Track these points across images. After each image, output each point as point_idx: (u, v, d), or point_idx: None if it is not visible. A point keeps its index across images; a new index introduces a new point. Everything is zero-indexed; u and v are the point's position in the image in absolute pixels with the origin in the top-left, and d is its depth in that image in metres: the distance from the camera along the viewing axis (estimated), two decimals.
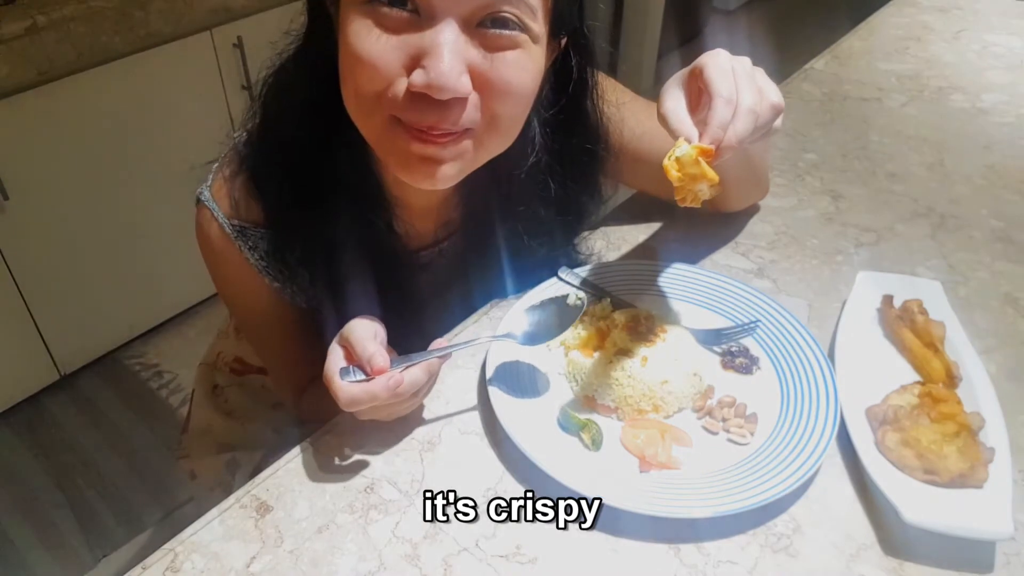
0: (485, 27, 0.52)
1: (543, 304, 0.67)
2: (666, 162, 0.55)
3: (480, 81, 0.53)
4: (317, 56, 0.60)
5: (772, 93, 0.57)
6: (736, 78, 0.55)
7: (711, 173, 0.55)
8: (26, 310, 1.70)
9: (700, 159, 0.54)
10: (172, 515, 1.62)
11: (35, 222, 1.63)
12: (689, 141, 0.55)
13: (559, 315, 0.65)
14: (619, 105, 0.75)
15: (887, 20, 1.42)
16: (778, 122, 0.59)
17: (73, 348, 1.85)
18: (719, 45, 0.60)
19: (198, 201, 0.70)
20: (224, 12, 1.74)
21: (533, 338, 0.65)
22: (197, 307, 2.06)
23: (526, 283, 0.76)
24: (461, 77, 0.51)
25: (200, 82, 1.77)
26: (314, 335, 0.77)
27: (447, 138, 0.54)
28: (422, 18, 0.51)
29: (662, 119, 0.57)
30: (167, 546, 0.56)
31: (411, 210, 0.71)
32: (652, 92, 0.82)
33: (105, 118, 1.65)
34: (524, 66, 0.55)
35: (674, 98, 0.58)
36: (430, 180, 0.57)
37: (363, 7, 0.52)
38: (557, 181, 0.69)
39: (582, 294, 0.65)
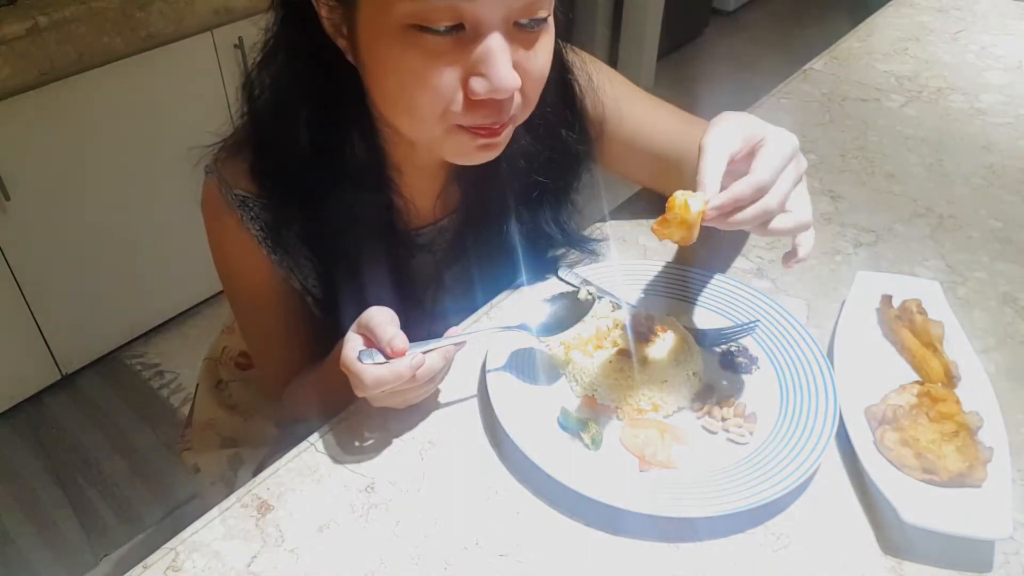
0: (522, 26, 0.55)
1: (555, 298, 0.68)
2: (679, 199, 0.55)
3: (522, 73, 0.57)
4: (305, 38, 0.60)
5: (803, 212, 0.58)
6: (782, 177, 0.56)
7: (695, 233, 0.55)
8: (27, 310, 1.70)
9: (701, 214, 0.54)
10: (173, 514, 1.62)
11: (36, 222, 1.63)
12: (706, 201, 0.55)
13: (572, 309, 0.67)
14: (616, 99, 0.77)
15: (886, 21, 1.42)
16: (803, 237, 0.59)
17: (74, 348, 1.86)
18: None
19: (206, 171, 0.71)
20: (225, 13, 1.74)
21: (547, 329, 0.66)
22: (198, 307, 2.07)
23: (526, 268, 0.77)
24: (515, 77, 0.55)
25: (201, 83, 1.77)
26: (305, 326, 0.78)
27: (503, 128, 0.60)
28: (468, 32, 0.54)
29: (700, 166, 0.57)
30: (168, 545, 0.56)
31: (411, 187, 0.72)
32: (652, 92, 0.83)
33: (106, 119, 1.66)
34: (549, 48, 0.59)
35: (720, 152, 0.57)
36: (487, 159, 0.63)
37: (405, 35, 0.53)
38: (541, 112, 0.69)
39: (592, 289, 0.66)
